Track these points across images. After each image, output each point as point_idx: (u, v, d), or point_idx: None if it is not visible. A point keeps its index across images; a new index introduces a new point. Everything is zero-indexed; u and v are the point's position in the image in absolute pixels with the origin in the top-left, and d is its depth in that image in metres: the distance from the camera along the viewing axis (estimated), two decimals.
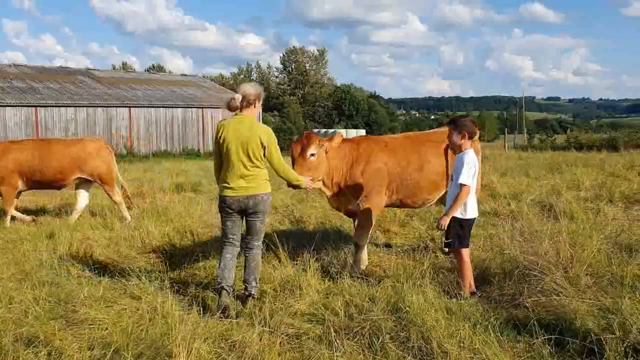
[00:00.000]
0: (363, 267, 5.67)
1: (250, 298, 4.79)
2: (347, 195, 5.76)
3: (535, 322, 3.77)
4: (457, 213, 4.70)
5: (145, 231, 7.49)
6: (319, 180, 5.57)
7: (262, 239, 4.93)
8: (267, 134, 4.71)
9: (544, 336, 3.63)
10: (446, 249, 5.67)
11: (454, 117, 4.95)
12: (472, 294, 4.64)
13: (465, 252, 4.75)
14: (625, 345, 3.40)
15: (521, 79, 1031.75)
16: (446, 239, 4.80)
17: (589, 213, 7.44)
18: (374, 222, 5.88)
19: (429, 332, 3.74)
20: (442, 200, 6.27)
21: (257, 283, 4.86)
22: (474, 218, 4.86)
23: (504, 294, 4.54)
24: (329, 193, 5.76)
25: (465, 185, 4.61)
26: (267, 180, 4.79)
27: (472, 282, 4.73)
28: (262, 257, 5.13)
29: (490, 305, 4.41)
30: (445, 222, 4.65)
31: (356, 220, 5.97)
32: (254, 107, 4.77)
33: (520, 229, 5.68)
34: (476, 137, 6.39)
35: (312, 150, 5.38)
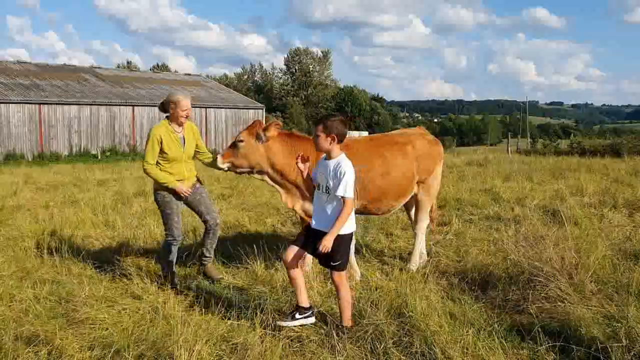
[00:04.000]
0: (360, 273, 5.51)
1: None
2: (304, 194, 5.37)
3: (539, 329, 3.74)
4: (344, 229, 3.99)
5: (148, 230, 7.48)
6: (264, 173, 5.29)
7: (165, 232, 5.38)
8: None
9: (548, 343, 3.60)
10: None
11: (323, 116, 4.17)
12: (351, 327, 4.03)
13: (345, 274, 4.12)
14: (632, 354, 3.37)
15: (524, 83, 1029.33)
16: (330, 259, 4.01)
17: (593, 219, 7.39)
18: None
19: (433, 337, 3.71)
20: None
21: (163, 275, 5.31)
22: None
23: (508, 300, 4.51)
24: (281, 190, 5.39)
25: (349, 198, 3.91)
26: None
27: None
28: (259, 258, 5.27)
29: (494, 311, 4.38)
30: (330, 242, 3.87)
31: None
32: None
33: (524, 234, 5.63)
34: (432, 138, 6.08)
35: (241, 136, 5.18)
